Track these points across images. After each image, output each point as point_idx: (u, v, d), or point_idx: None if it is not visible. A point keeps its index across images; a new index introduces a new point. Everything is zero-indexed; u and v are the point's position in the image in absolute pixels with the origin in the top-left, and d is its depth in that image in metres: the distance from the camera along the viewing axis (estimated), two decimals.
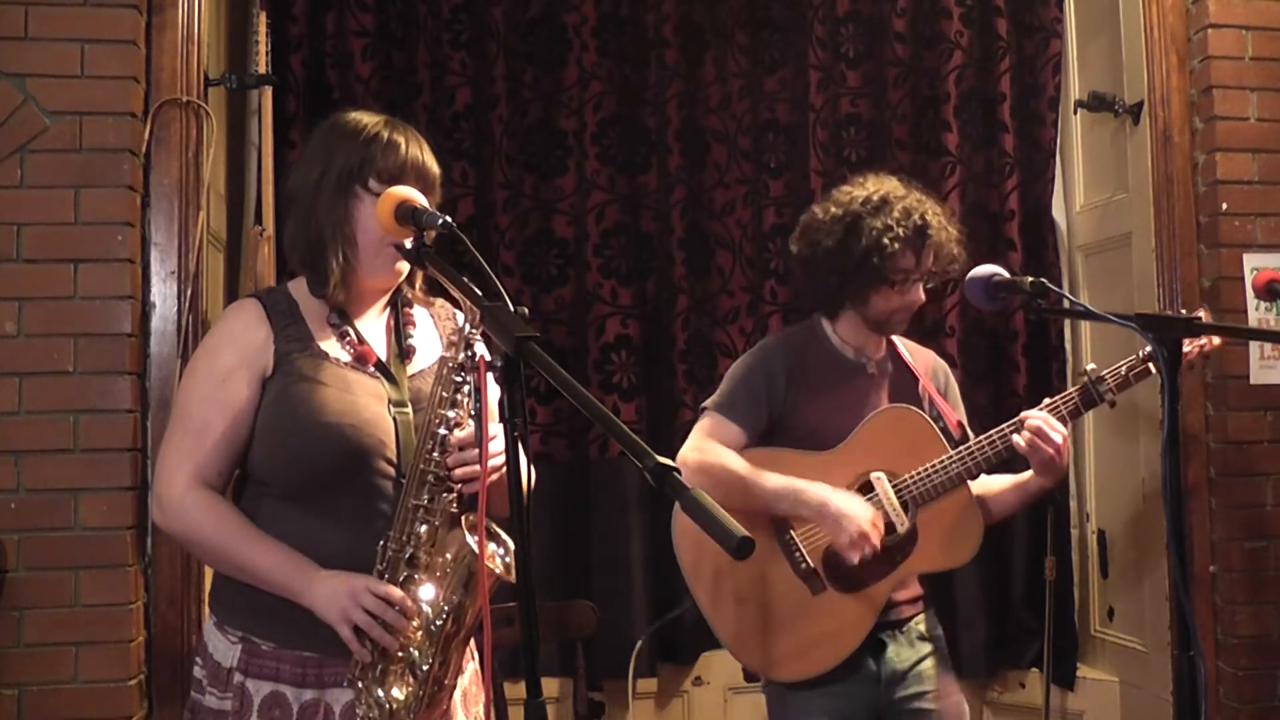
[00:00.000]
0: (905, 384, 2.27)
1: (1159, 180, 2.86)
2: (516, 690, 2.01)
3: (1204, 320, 2.17)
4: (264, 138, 2.73)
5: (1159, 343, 1.58)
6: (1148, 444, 2.94)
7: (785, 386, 2.19)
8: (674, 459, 1.08)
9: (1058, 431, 2.06)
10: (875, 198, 2.17)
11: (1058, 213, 3.32)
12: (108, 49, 2.40)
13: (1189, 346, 2.12)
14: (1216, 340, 2.20)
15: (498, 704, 2.51)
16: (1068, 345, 3.27)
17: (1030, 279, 1.80)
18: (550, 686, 3.10)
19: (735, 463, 2.15)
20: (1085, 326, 3.28)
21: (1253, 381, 2.75)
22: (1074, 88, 3.28)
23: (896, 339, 2.31)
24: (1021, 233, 3.27)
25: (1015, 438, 2.10)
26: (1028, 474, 2.18)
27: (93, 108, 2.39)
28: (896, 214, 2.13)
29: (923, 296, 2.21)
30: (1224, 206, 2.77)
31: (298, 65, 3.04)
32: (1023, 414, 2.11)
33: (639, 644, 3.03)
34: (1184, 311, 2.25)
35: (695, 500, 1.03)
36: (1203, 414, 2.80)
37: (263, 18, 2.70)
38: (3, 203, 2.35)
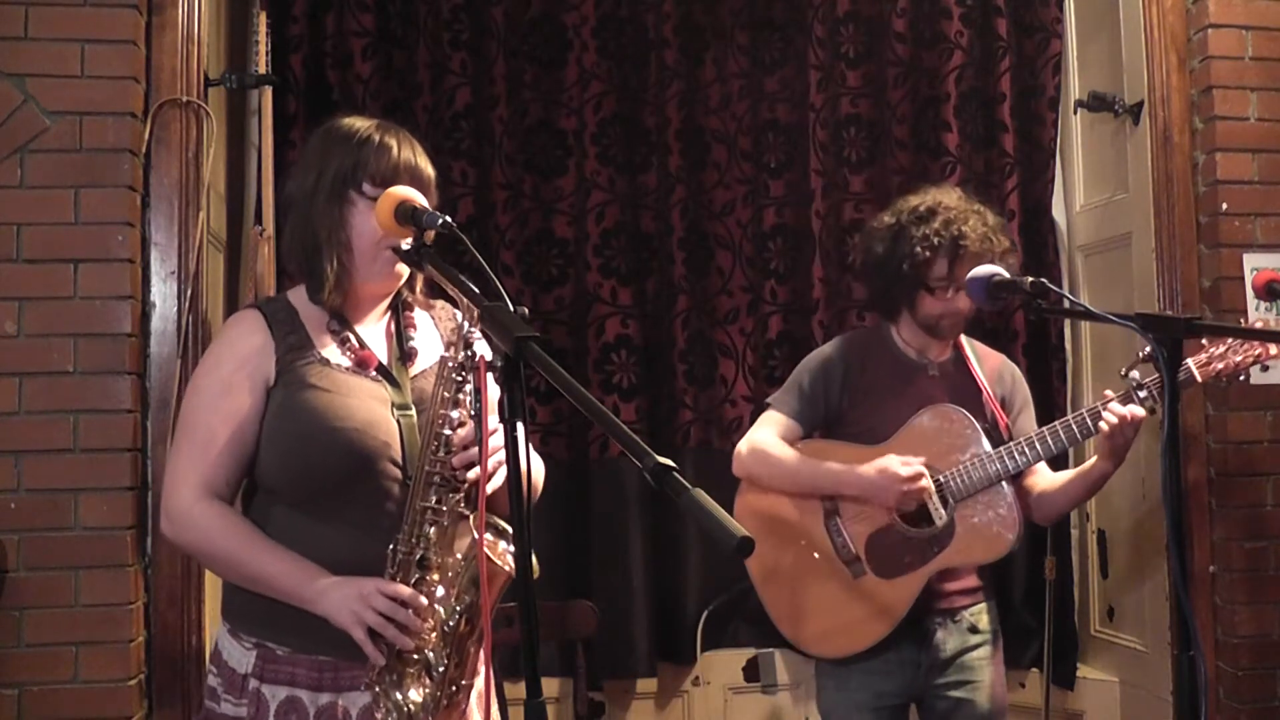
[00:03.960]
0: (967, 388, 2.33)
1: (1159, 180, 2.86)
2: (516, 690, 2.02)
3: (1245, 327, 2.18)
4: (264, 138, 2.73)
5: (1158, 343, 1.58)
6: (1148, 444, 2.93)
7: (841, 386, 2.33)
8: (674, 459, 1.08)
9: (1139, 424, 2.13)
10: (923, 208, 2.28)
11: (1058, 213, 3.31)
12: (108, 49, 2.40)
13: (1222, 363, 2.13)
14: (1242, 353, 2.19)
15: (498, 704, 2.51)
16: (1068, 345, 3.27)
17: (1030, 279, 1.80)
18: (550, 686, 3.10)
19: (783, 450, 2.30)
20: (1085, 326, 3.27)
21: (1253, 381, 2.72)
22: (1074, 88, 3.28)
23: (966, 342, 2.40)
24: (1021, 233, 3.27)
25: (1105, 414, 2.13)
26: (1090, 462, 2.24)
27: (93, 108, 2.39)
28: (937, 224, 2.24)
29: (968, 305, 2.25)
30: (1224, 206, 2.77)
31: (298, 65, 3.03)
32: (1071, 415, 2.20)
33: (704, 614, 3.16)
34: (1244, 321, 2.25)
35: (694, 500, 1.03)
36: (1203, 414, 2.80)
37: (263, 18, 2.70)
38: (3, 203, 2.35)
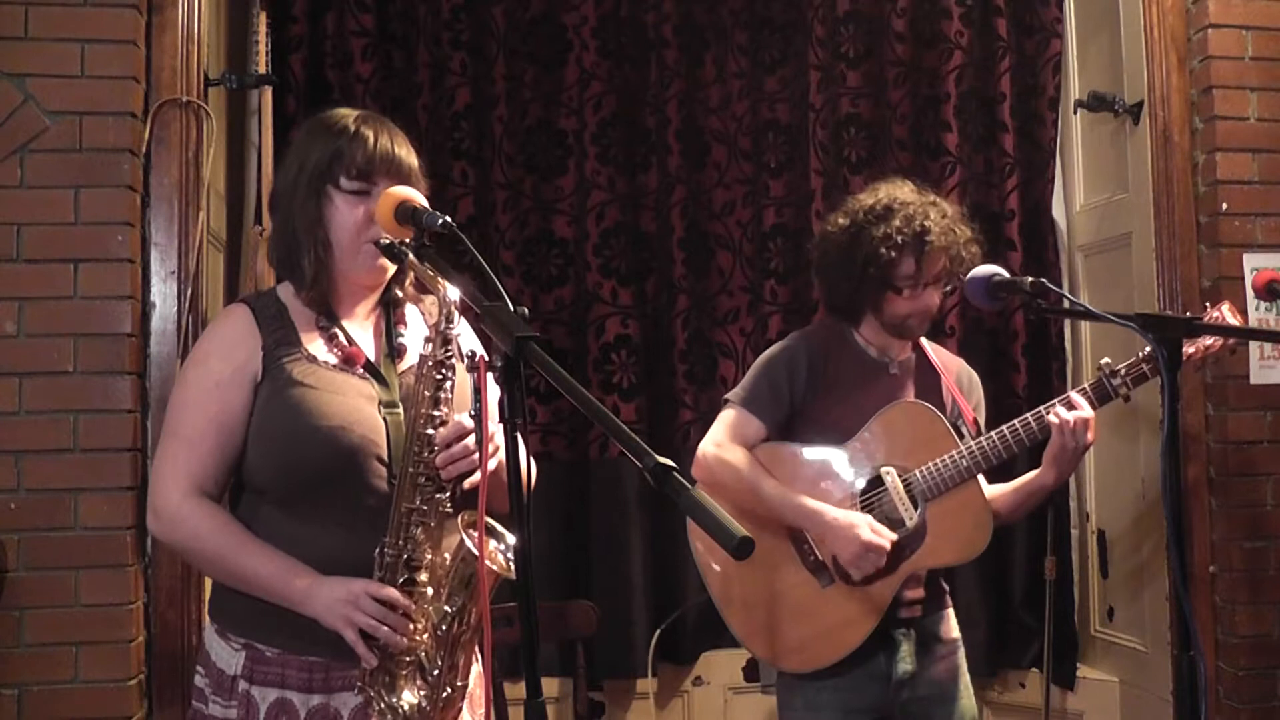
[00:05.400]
0: (929, 383, 2.28)
1: (1159, 180, 2.86)
2: (516, 690, 2.01)
3: (1226, 312, 2.16)
4: (264, 138, 2.73)
5: (1159, 343, 1.58)
6: (1148, 444, 2.94)
7: (806, 382, 2.22)
8: (674, 459, 1.08)
9: (1090, 428, 2.08)
10: (879, 206, 2.19)
11: (1058, 213, 3.31)
12: (108, 49, 2.40)
13: (1192, 348, 2.13)
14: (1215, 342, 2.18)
15: (498, 704, 2.51)
16: (1068, 345, 3.27)
17: (1030, 279, 1.80)
18: (550, 686, 3.10)
19: (746, 465, 2.19)
20: (1085, 326, 3.27)
21: (1253, 381, 2.74)
22: (1074, 88, 3.28)
23: (926, 344, 2.33)
24: (1021, 233, 3.27)
25: (1058, 410, 2.09)
26: (1029, 475, 2.20)
27: (93, 108, 2.39)
28: (897, 222, 2.15)
29: (936, 301, 2.22)
30: (1224, 206, 2.77)
31: (298, 65, 3.04)
32: (1041, 407, 2.13)
33: (656, 633, 3.12)
34: (1209, 308, 2.22)
35: (695, 500, 1.03)
36: (1203, 414, 2.80)
37: (263, 18, 2.70)
38: (3, 203, 2.35)
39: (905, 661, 2.18)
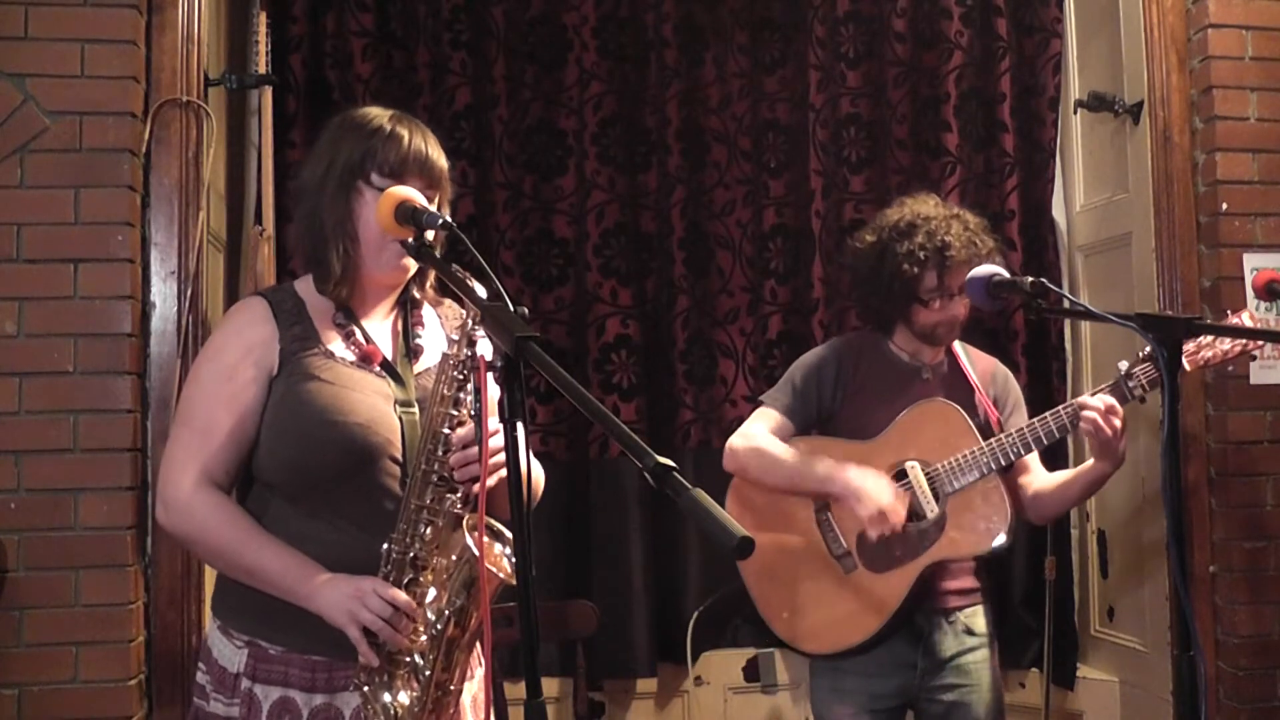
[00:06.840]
0: (960, 388, 2.35)
1: (1159, 180, 2.86)
2: (516, 690, 2.02)
3: (1246, 319, 2.17)
4: (264, 138, 2.73)
5: (1159, 343, 1.58)
6: (1148, 444, 2.94)
7: (833, 388, 2.34)
8: (674, 459, 1.08)
9: (1117, 415, 2.12)
10: (903, 223, 2.29)
11: (1058, 213, 3.32)
12: (108, 49, 2.40)
13: (1209, 351, 2.14)
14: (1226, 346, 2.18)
15: (497, 704, 2.51)
16: (1068, 345, 3.27)
17: (1030, 279, 1.80)
18: (550, 686, 3.10)
19: (776, 445, 2.30)
20: (1085, 326, 3.28)
21: (1253, 381, 2.74)
22: (1074, 88, 3.28)
23: (959, 347, 2.40)
24: (1021, 233, 3.27)
25: (1083, 415, 2.14)
26: (1088, 463, 2.25)
27: (93, 108, 2.39)
28: (920, 238, 2.25)
29: (963, 310, 2.29)
30: (1224, 206, 2.77)
31: (298, 65, 3.04)
32: (1059, 406, 2.20)
33: (695, 614, 3.15)
34: (1232, 316, 2.23)
35: (694, 500, 1.03)
36: (1203, 414, 2.80)
37: (263, 18, 2.70)
38: (3, 203, 2.35)
39: (936, 651, 2.25)
